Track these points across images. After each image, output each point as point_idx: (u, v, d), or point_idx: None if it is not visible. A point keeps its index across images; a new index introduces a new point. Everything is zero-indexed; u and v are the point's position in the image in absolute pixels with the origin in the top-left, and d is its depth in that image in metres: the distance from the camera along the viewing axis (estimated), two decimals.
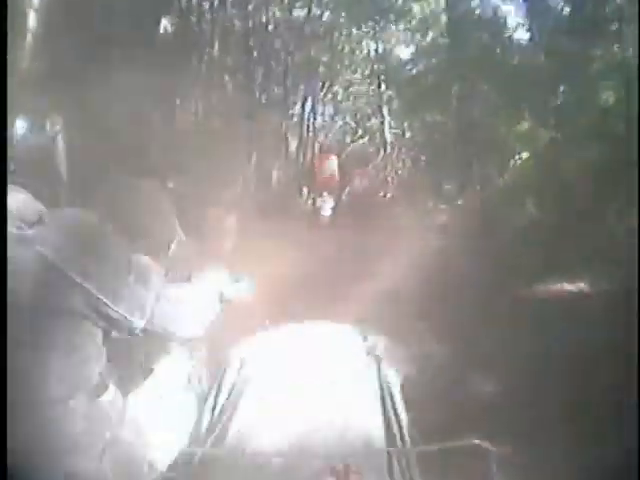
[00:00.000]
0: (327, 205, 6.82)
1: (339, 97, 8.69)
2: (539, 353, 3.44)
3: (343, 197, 6.96)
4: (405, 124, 8.28)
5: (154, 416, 1.08)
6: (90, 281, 0.95)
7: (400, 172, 7.93)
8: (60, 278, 0.93)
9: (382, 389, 1.18)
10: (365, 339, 1.29)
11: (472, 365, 3.33)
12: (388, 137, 7.76)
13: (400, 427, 1.15)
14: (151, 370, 1.20)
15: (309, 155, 7.59)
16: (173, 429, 1.12)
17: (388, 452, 1.11)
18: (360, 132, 8.99)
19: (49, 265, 0.93)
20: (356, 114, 9.17)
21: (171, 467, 1.03)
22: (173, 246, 1.53)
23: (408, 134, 8.26)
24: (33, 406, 0.93)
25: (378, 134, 8.05)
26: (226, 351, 1.50)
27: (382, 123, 7.83)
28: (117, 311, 0.98)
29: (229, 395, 1.20)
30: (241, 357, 1.28)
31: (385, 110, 7.81)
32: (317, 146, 7.71)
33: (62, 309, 0.94)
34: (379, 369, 1.22)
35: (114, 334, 1.03)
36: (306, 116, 7.79)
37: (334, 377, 1.19)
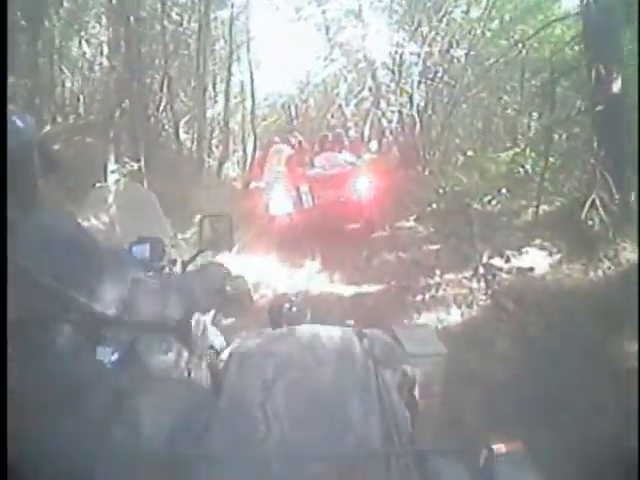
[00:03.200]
0: None
1: None
2: (537, 352, 3.43)
3: None
4: None
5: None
6: (62, 282, 0.93)
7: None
8: (33, 283, 0.92)
9: (379, 389, 1.16)
10: (362, 339, 1.28)
11: (471, 364, 3.32)
12: None
13: (398, 427, 1.14)
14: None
15: None
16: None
17: (386, 453, 1.10)
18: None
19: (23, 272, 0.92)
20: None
21: (165, 470, 1.01)
22: (167, 249, 1.53)
23: None
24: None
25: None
26: (223, 350, 1.49)
27: None
28: (93, 306, 0.97)
29: (225, 396, 1.19)
30: (237, 357, 1.27)
31: None
32: None
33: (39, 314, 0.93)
34: (376, 369, 1.20)
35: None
36: None
37: (330, 378, 1.17)
